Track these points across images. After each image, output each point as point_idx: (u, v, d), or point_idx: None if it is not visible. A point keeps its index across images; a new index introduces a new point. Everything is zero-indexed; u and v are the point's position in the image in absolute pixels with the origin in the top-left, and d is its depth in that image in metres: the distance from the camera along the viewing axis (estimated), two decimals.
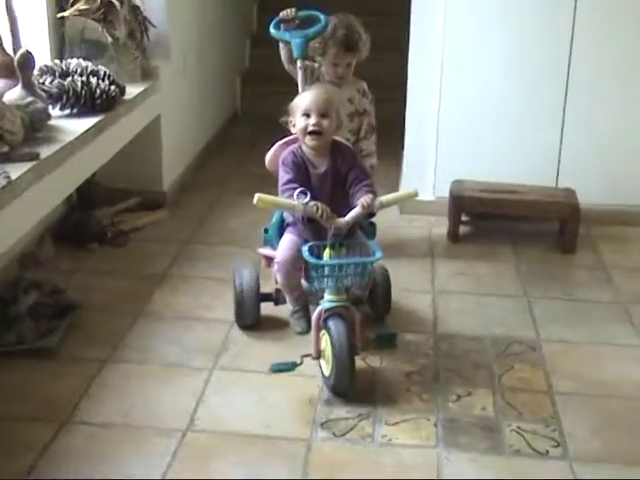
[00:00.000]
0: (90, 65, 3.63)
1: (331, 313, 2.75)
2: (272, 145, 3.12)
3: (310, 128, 2.86)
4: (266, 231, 3.13)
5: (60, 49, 3.91)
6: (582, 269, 3.85)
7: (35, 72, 3.45)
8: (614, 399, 2.82)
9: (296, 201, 2.74)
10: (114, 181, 4.25)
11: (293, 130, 2.95)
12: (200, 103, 5.21)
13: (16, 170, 2.75)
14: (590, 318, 3.38)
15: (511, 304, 3.48)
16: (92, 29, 3.87)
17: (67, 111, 3.48)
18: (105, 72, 3.63)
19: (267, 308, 3.22)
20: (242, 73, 6.49)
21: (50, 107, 3.36)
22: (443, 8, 4.07)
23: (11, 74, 3.29)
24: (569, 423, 2.67)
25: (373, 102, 3.65)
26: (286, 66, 3.53)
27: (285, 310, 3.16)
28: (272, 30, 3.41)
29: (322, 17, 3.39)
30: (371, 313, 3.23)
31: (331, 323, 2.73)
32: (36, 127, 3.08)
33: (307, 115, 2.87)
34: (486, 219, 4.21)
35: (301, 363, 2.78)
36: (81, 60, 3.66)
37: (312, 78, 3.50)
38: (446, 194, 4.11)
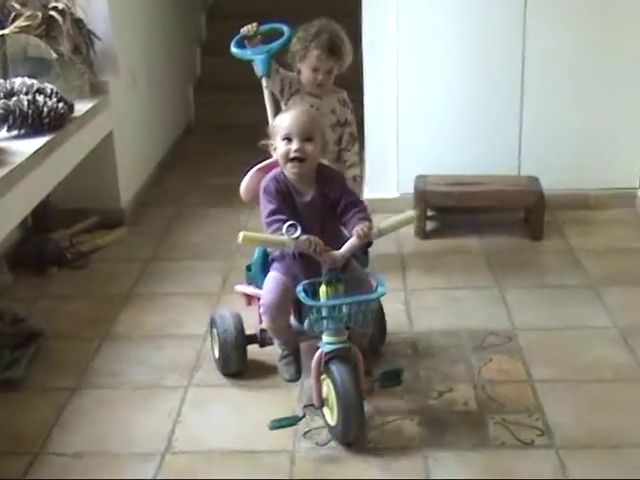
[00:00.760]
0: (36, 83, 3.52)
1: (332, 356, 2.48)
2: (247, 172, 2.83)
3: (292, 154, 2.57)
4: (248, 268, 2.85)
5: (3, 68, 3.80)
6: (550, 255, 3.84)
7: None
8: (594, 383, 2.80)
9: (286, 236, 2.43)
10: (70, 201, 4.14)
11: (274, 155, 2.67)
12: (153, 116, 5.12)
13: None
14: (563, 303, 3.37)
15: (484, 296, 3.45)
16: (35, 46, 3.77)
17: (15, 132, 3.38)
18: (52, 89, 3.53)
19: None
20: (194, 82, 6.41)
21: None
22: (396, 5, 4.03)
23: None
24: (552, 411, 2.64)
25: (353, 111, 3.43)
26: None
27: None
28: (233, 49, 3.24)
29: (285, 29, 3.23)
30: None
31: (333, 367, 2.46)
32: None
33: (288, 139, 2.58)
34: (452, 213, 4.19)
35: (304, 416, 2.55)
36: (26, 78, 3.55)
37: (290, 90, 3.29)
38: (411, 190, 4.07)
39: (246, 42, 3.22)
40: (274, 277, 2.66)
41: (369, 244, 2.63)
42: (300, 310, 2.61)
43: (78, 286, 3.67)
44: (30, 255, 3.82)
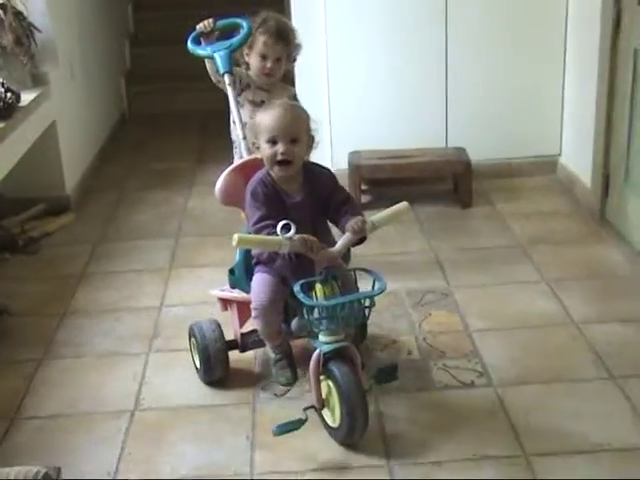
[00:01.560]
0: None
1: (331, 356, 2.42)
2: (221, 172, 2.74)
3: (279, 157, 2.47)
4: (232, 272, 2.77)
5: None
6: (480, 220, 4.10)
7: None
8: (524, 330, 3.06)
9: (281, 237, 2.36)
10: (16, 190, 4.25)
11: (259, 155, 2.58)
12: (90, 106, 5.24)
13: None
14: (494, 262, 3.62)
15: (419, 259, 3.69)
16: None
17: None
18: None
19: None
20: (125, 74, 6.52)
21: None
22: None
23: None
24: (488, 355, 2.89)
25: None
26: (214, 79, 3.21)
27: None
28: (190, 47, 3.12)
29: (244, 23, 3.12)
30: None
31: (333, 367, 2.40)
32: None
33: (273, 142, 2.48)
34: (385, 185, 4.40)
35: (307, 419, 2.42)
36: None
37: (241, 85, 3.19)
38: (345, 166, 4.28)
39: (202, 39, 3.13)
40: (263, 278, 2.59)
41: (363, 239, 2.51)
42: (287, 311, 2.60)
43: (33, 269, 3.80)
44: None
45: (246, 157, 2.89)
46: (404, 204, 2.62)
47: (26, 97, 3.94)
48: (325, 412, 2.48)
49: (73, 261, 3.85)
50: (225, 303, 2.88)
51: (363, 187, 4.33)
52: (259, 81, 3.20)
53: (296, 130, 2.49)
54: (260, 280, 2.59)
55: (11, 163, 3.72)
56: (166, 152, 5.49)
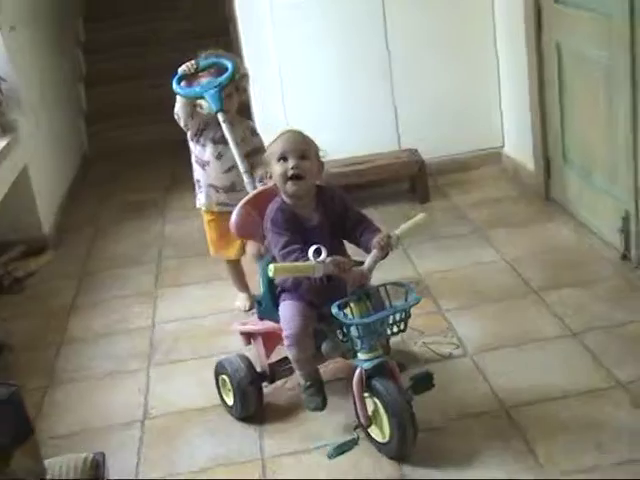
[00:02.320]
0: None
1: (372, 372, 2.45)
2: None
3: (290, 172, 2.52)
4: (259, 303, 2.78)
5: None
6: (439, 212, 4.37)
7: None
8: (491, 303, 3.35)
9: (314, 261, 2.37)
10: None
11: (271, 182, 2.65)
12: (57, 148, 5.44)
13: None
14: (456, 249, 3.90)
15: (390, 254, 3.92)
16: None
17: None
18: None
19: None
20: (84, 115, 6.73)
21: None
22: (270, 17, 4.52)
23: None
24: (462, 330, 3.16)
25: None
26: (183, 122, 3.28)
27: None
28: (177, 89, 3.16)
29: (227, 63, 3.19)
30: None
31: (376, 383, 2.44)
32: None
33: (284, 159, 2.55)
34: (348, 191, 4.64)
35: (359, 437, 2.48)
36: None
37: (200, 126, 3.30)
38: None
39: (185, 81, 3.19)
40: (292, 305, 2.59)
41: (387, 253, 2.55)
42: (316, 335, 2.61)
43: (22, 307, 3.98)
44: None
45: (250, 190, 2.96)
46: (423, 215, 2.65)
47: None
48: (372, 429, 2.50)
49: (60, 295, 4.04)
50: (248, 337, 2.88)
51: None
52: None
53: (305, 148, 2.56)
54: (289, 307, 2.59)
55: None
56: (134, 185, 5.68)
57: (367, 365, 2.45)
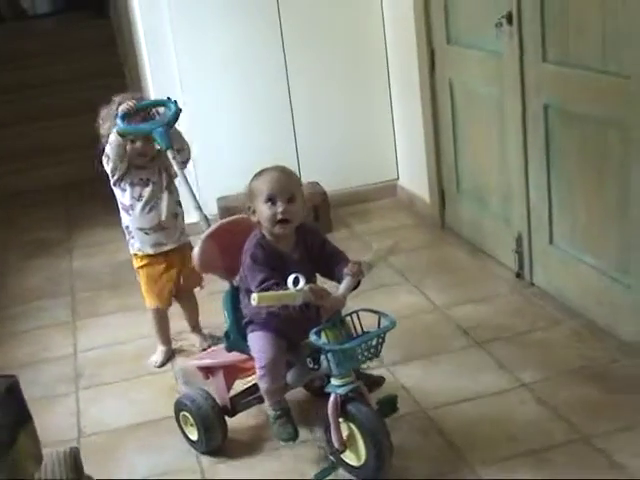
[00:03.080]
0: None
1: (347, 397, 2.50)
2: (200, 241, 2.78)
3: (279, 217, 2.54)
4: (227, 336, 2.77)
5: None
6: (343, 242, 4.45)
7: None
8: (402, 319, 3.16)
9: (293, 290, 2.40)
10: None
11: (253, 218, 2.63)
12: None
13: None
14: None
15: None
16: None
17: None
18: None
19: None
20: None
21: None
22: (175, 61, 4.73)
23: None
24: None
25: None
26: (112, 165, 3.22)
27: None
28: (123, 126, 3.12)
29: (169, 102, 3.22)
30: None
31: (351, 408, 2.49)
32: None
33: (272, 201, 2.57)
34: None
35: (337, 461, 2.56)
36: None
37: (120, 172, 3.28)
38: (214, 211, 4.72)
39: (126, 120, 3.15)
40: (262, 336, 2.63)
41: (359, 282, 2.61)
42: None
43: None
44: None
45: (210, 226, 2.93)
46: (394, 241, 2.74)
47: None
48: (347, 454, 2.54)
49: None
50: (207, 372, 2.88)
51: None
52: (137, 162, 3.29)
53: (292, 189, 2.60)
54: (259, 338, 2.62)
55: None
56: (35, 224, 5.69)
57: (342, 390, 2.49)
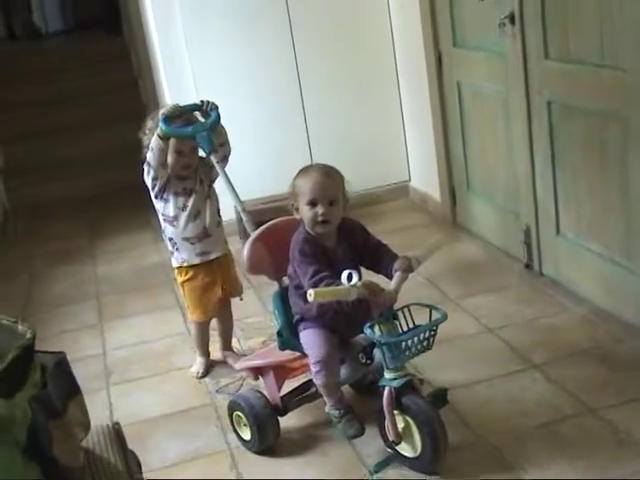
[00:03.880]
0: None
1: (400, 390, 2.55)
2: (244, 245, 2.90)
3: (319, 219, 2.63)
4: (280, 334, 2.81)
5: None
6: None
7: None
8: None
9: (347, 285, 2.45)
10: None
11: (297, 215, 2.71)
12: None
13: None
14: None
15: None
16: None
17: None
18: None
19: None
20: (1, 171, 6.91)
21: None
22: (190, 73, 4.90)
23: None
24: None
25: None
26: (153, 173, 3.19)
27: None
28: (167, 128, 3.09)
29: (210, 107, 3.21)
30: None
31: (406, 400, 2.55)
32: None
33: (313, 204, 2.64)
34: None
35: (393, 452, 2.63)
36: None
37: (162, 182, 3.25)
38: (232, 216, 4.87)
39: (170, 122, 3.13)
40: (315, 332, 2.68)
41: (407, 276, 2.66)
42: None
43: None
44: None
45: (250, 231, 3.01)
46: (441, 237, 2.83)
47: None
48: (402, 446, 2.59)
49: None
50: (257, 372, 2.95)
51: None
52: (181, 174, 3.27)
53: (333, 192, 2.66)
54: (312, 335, 2.69)
55: None
56: (59, 234, 5.90)
57: (396, 383, 2.55)
